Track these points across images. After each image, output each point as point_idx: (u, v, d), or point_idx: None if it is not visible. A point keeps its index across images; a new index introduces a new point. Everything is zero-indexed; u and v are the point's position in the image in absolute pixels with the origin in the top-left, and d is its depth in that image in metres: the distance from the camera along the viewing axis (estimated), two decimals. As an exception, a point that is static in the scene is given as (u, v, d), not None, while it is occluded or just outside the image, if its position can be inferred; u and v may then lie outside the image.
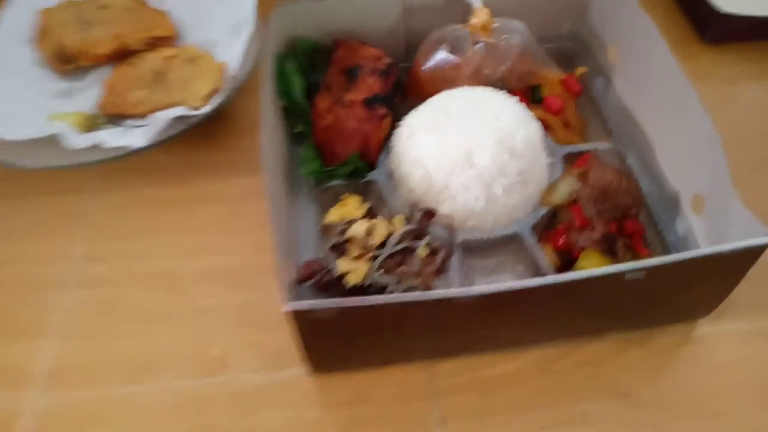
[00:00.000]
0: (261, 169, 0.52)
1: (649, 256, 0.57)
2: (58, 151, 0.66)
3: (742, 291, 0.52)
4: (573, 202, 0.59)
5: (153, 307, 0.59)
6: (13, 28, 0.79)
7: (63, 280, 0.62)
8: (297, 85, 0.66)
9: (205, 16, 0.82)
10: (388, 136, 0.65)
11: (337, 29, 0.71)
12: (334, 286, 0.55)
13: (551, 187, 0.61)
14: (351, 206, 0.61)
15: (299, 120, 0.67)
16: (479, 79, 0.66)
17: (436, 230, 0.58)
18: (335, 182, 0.63)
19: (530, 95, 0.70)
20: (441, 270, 0.57)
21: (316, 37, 0.71)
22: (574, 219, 0.58)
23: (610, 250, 0.55)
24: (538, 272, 0.57)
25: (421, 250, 0.57)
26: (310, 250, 0.61)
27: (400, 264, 0.56)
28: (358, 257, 0.56)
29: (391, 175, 0.63)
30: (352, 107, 0.65)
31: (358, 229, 0.57)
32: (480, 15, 0.65)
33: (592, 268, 0.54)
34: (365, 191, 0.64)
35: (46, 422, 0.52)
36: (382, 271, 0.55)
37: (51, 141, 0.66)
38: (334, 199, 0.61)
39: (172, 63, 0.77)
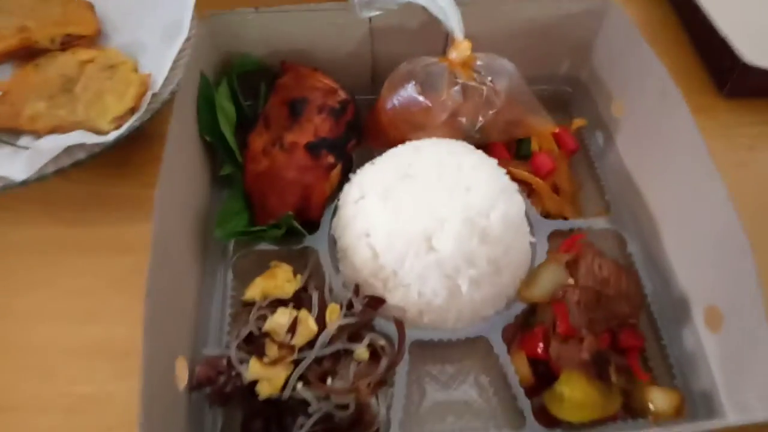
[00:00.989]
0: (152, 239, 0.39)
1: (650, 381, 0.45)
2: None
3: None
4: (558, 300, 0.46)
5: (15, 394, 0.46)
6: None
7: None
8: (227, 116, 0.53)
9: (136, 13, 0.68)
10: (337, 190, 0.52)
11: (286, 48, 0.58)
12: (240, 396, 0.42)
13: (532, 277, 0.48)
14: (280, 278, 0.48)
15: (227, 160, 0.53)
16: (454, 128, 0.53)
17: (381, 324, 0.46)
18: (262, 246, 0.50)
19: (515, 150, 0.58)
20: (383, 382, 0.44)
21: (259, 56, 0.57)
22: (557, 323, 0.46)
23: (600, 374, 0.43)
24: (505, 386, 0.45)
25: (361, 353, 0.44)
26: (221, 338, 0.47)
27: (329, 372, 0.43)
28: (277, 361, 0.43)
29: (334, 243, 0.50)
30: (293, 152, 0.51)
31: (279, 321, 0.44)
32: (460, 49, 0.52)
33: (576, 397, 0.43)
34: (300, 257, 0.51)
35: None
36: (303, 383, 0.42)
37: None
38: (260, 269, 0.49)
39: (87, 69, 0.63)
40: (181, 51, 0.62)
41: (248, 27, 0.55)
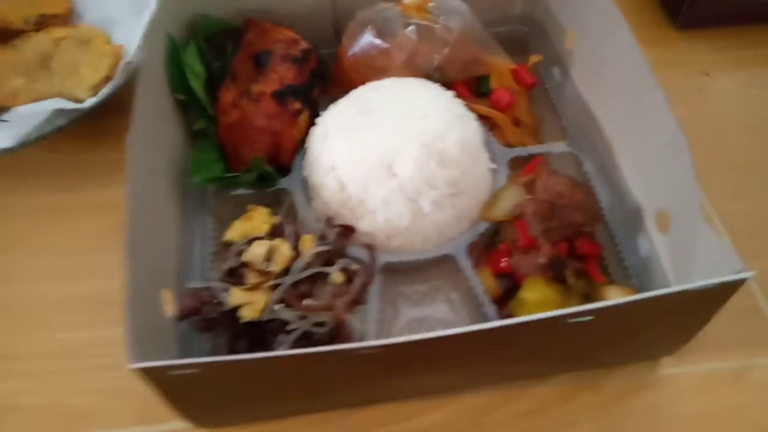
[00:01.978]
0: (126, 176, 0.42)
1: (606, 282, 0.48)
2: None
3: (711, 326, 0.43)
4: (518, 218, 0.49)
5: (3, 343, 0.49)
6: None
7: None
8: (196, 74, 0.55)
9: (105, -11, 0.70)
10: (306, 137, 0.55)
11: (250, 7, 0.60)
12: (224, 321, 0.45)
13: (493, 198, 0.51)
14: (257, 220, 0.51)
15: (200, 116, 0.56)
16: (413, 68, 0.56)
17: (354, 251, 0.49)
18: (238, 191, 0.53)
19: (475, 88, 0.60)
20: (358, 300, 0.47)
21: (224, 17, 0.60)
22: (518, 238, 0.49)
23: (557, 276, 0.46)
24: (474, 300, 0.48)
25: (335, 276, 0.47)
26: (204, 274, 0.50)
27: (306, 294, 0.46)
28: (256, 286, 0.46)
29: (306, 184, 0.53)
30: (260, 101, 0.54)
31: (257, 251, 0.47)
32: (413, -8, 0.55)
33: (536, 298, 0.46)
34: (276, 202, 0.53)
35: None
36: (283, 304, 0.45)
37: None
38: (238, 213, 0.51)
39: (62, 46, 0.65)
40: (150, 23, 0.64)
41: (211, -11, 0.58)
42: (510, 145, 0.57)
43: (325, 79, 0.59)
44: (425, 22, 0.55)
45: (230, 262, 0.47)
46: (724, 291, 0.37)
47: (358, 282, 0.47)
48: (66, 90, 0.60)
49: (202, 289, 0.46)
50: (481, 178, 0.51)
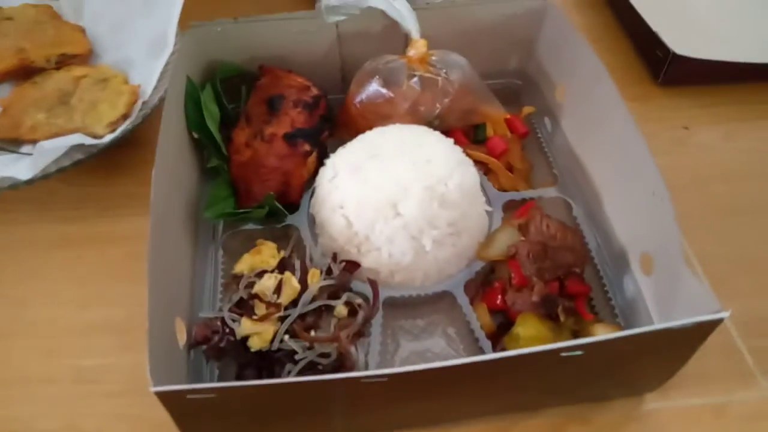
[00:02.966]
0: (150, 209, 0.45)
1: (594, 320, 0.51)
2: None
3: (693, 363, 0.46)
4: (512, 257, 0.53)
5: (22, 368, 0.51)
6: None
7: None
8: (212, 114, 0.59)
9: (124, 32, 0.74)
10: (314, 177, 0.58)
11: (264, 54, 0.64)
12: (233, 350, 0.48)
13: (489, 239, 0.55)
14: (265, 254, 0.54)
15: (214, 154, 0.59)
16: (415, 116, 0.60)
17: (358, 286, 0.52)
18: (248, 226, 0.56)
19: (472, 135, 0.65)
20: (361, 333, 0.50)
21: (239, 62, 0.64)
22: (512, 277, 0.52)
23: (549, 314, 0.49)
24: (470, 335, 0.51)
25: (339, 309, 0.50)
26: (214, 305, 0.53)
27: (312, 326, 0.49)
28: (265, 317, 0.48)
29: (313, 221, 0.56)
30: (272, 142, 0.58)
31: (266, 284, 0.49)
32: (417, 46, 0.60)
33: (529, 334, 0.48)
34: (283, 237, 0.56)
35: None
36: (289, 335, 0.47)
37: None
38: (247, 247, 0.54)
39: (81, 84, 0.69)
40: (167, 64, 0.68)
41: (228, 36, 0.62)
42: (504, 190, 0.61)
43: (332, 124, 0.62)
44: (428, 74, 0.59)
45: (241, 294, 0.50)
46: (703, 329, 0.41)
47: (361, 315, 0.50)
48: (85, 126, 0.64)
49: (213, 319, 0.49)
50: (478, 219, 0.54)
